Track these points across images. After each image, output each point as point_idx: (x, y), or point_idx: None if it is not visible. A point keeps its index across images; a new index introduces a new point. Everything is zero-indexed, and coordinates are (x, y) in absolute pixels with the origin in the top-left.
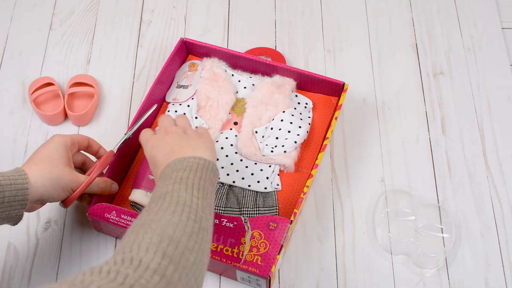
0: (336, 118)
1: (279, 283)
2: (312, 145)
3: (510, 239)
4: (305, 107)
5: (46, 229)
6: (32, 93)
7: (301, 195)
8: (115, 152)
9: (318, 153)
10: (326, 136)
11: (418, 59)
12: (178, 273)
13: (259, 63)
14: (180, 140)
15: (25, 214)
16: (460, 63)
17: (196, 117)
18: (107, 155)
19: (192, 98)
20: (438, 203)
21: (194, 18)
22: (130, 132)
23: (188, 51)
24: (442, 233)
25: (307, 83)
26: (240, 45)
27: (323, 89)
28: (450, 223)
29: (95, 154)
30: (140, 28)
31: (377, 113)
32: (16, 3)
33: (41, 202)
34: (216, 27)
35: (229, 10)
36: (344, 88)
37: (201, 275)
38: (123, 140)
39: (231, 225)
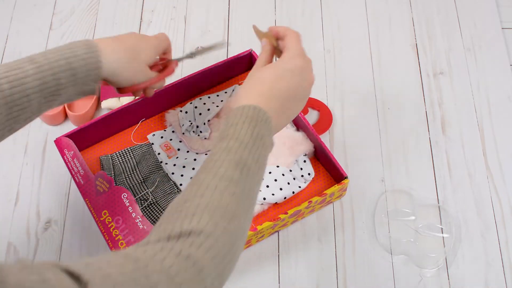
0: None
1: (279, 283)
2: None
3: (510, 239)
4: (302, 175)
5: (46, 229)
6: None
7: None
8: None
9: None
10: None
11: (418, 59)
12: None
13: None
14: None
15: (25, 214)
16: (460, 63)
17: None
18: (172, 65)
19: None
20: (438, 203)
21: (194, 18)
22: (194, 53)
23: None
24: (442, 233)
25: (321, 155)
26: (240, 45)
27: (330, 170)
28: (450, 223)
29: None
30: (140, 28)
31: (377, 113)
32: (16, 3)
33: (111, 79)
34: (216, 27)
35: (229, 10)
36: (342, 181)
37: (244, 239)
38: (184, 56)
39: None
